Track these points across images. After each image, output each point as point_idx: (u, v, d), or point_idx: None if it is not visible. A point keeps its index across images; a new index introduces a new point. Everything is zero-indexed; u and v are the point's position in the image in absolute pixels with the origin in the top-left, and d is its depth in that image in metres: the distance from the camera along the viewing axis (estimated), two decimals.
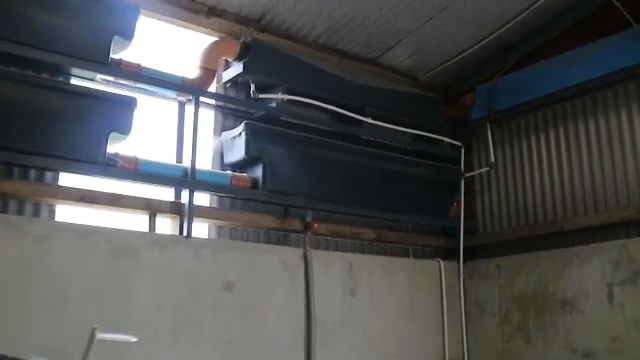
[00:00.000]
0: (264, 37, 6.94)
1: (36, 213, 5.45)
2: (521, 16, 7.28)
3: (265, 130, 6.50)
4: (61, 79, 5.67)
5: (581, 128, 7.30)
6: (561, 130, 7.49)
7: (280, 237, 6.85)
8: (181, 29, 6.59)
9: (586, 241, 6.99)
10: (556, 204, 7.40)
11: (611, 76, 6.89)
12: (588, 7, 7.20)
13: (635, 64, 6.68)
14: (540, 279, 7.18)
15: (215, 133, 6.67)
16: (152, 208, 5.91)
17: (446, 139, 8.01)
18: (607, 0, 6.91)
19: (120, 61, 5.81)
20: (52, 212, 5.57)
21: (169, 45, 6.56)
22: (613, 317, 6.52)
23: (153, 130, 6.34)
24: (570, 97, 7.35)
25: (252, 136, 6.33)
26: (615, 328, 6.49)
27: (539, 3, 7.07)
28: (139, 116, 5.82)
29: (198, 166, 6.15)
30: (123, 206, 5.75)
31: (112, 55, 5.71)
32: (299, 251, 6.60)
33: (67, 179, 5.61)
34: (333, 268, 6.81)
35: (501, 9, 7.20)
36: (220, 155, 6.61)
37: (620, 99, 7.03)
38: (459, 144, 8.08)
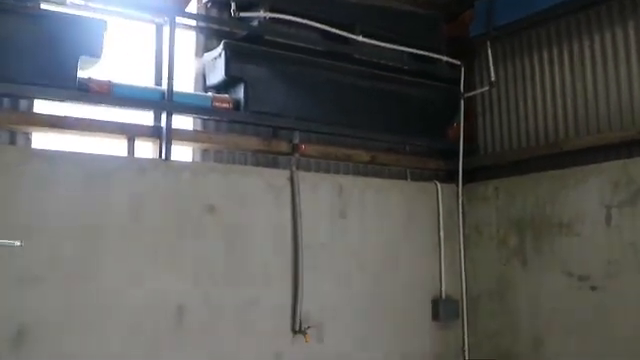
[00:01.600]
0: None
1: (12, 141, 5.47)
2: None
3: (246, 49, 6.35)
4: (29, 4, 5.56)
5: (585, 44, 6.89)
6: (565, 47, 7.09)
7: (268, 160, 6.77)
8: None
9: (586, 162, 6.70)
10: (558, 124, 7.10)
11: None
12: None
13: None
14: (538, 201, 6.97)
15: (197, 55, 6.54)
16: (129, 132, 5.87)
17: (445, 58, 7.69)
18: None
19: None
20: (28, 140, 5.59)
21: None
22: (610, 240, 6.31)
23: (131, 54, 6.25)
24: (573, 11, 6.92)
25: (232, 56, 6.19)
26: (612, 251, 6.29)
27: None
28: (113, 40, 5.78)
29: (179, 89, 6.09)
30: (99, 131, 5.72)
31: None
32: (285, 173, 6.52)
33: (42, 106, 5.61)
34: (321, 190, 6.72)
35: None
36: (203, 77, 6.51)
37: (627, 12, 6.56)
38: (459, 63, 7.79)
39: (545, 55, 7.29)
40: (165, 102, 5.89)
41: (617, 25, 6.65)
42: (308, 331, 6.29)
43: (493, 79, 7.59)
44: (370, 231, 7.01)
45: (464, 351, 7.58)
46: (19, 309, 4.97)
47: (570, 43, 7.05)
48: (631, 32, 6.53)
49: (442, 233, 7.54)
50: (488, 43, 7.62)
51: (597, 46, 6.81)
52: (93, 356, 5.27)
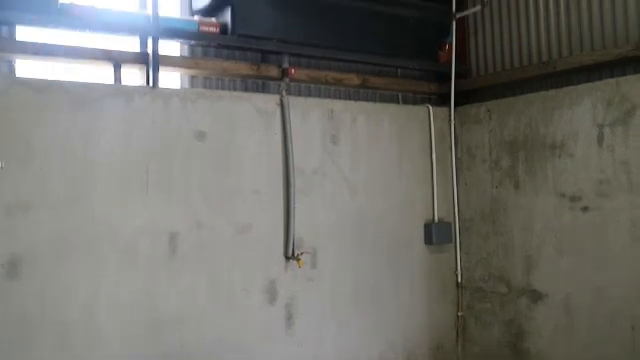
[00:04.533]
0: None
1: None
2: None
3: None
4: None
5: None
6: None
7: (258, 85, 6.69)
8: None
9: (580, 82, 6.63)
10: (551, 43, 6.97)
11: None
12: None
13: None
14: (531, 122, 6.92)
15: None
16: (114, 59, 5.73)
17: None
18: None
19: None
20: (12, 67, 5.48)
21: None
22: (602, 160, 6.29)
23: None
24: None
25: None
26: (604, 171, 6.27)
27: None
28: None
29: (164, 14, 5.94)
30: (83, 58, 5.59)
31: None
32: (275, 98, 6.41)
33: (25, 33, 5.49)
34: (312, 115, 6.65)
35: None
36: (189, 1, 6.35)
37: None
38: None
39: None
40: (151, 27, 5.74)
41: None
42: (301, 257, 6.31)
43: None
44: (362, 156, 6.97)
45: (457, 274, 7.65)
46: (10, 238, 4.97)
47: None
48: None
49: (434, 156, 7.50)
50: None
51: None
52: (87, 285, 5.30)
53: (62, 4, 5.38)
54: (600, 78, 6.48)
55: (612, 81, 6.27)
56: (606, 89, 6.28)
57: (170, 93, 5.84)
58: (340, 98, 7.23)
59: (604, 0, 6.50)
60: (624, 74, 6.29)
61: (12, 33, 5.42)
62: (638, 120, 6.01)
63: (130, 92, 5.63)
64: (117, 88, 5.65)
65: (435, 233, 7.40)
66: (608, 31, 6.48)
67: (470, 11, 7.68)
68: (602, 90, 6.31)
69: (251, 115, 6.22)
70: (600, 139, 6.31)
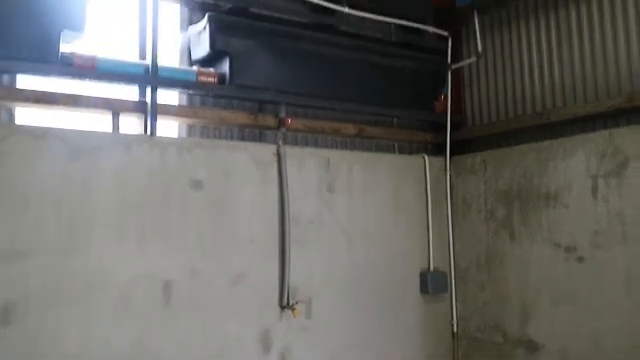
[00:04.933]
0: None
1: None
2: None
3: (231, 22, 6.26)
4: None
5: (572, 13, 6.83)
6: (552, 15, 7.03)
7: (255, 135, 6.73)
8: None
9: (574, 132, 6.70)
10: (545, 94, 7.07)
11: None
12: None
13: None
14: (525, 173, 6.97)
15: (182, 29, 6.46)
16: (113, 107, 5.79)
17: (431, 29, 7.61)
18: None
19: None
20: (11, 115, 5.52)
21: None
22: (596, 211, 6.31)
23: (115, 28, 6.18)
24: None
25: (216, 29, 6.12)
26: (598, 222, 6.29)
27: None
28: (96, 13, 5.70)
29: (164, 63, 6.02)
30: (83, 106, 5.63)
31: None
32: (272, 147, 6.46)
33: (25, 81, 5.54)
34: (309, 164, 6.69)
35: None
36: (188, 51, 6.44)
37: None
38: (445, 34, 7.72)
39: (532, 24, 7.23)
40: (150, 76, 5.82)
41: None
42: (296, 306, 6.28)
43: (480, 50, 7.54)
44: (358, 205, 6.99)
45: (453, 323, 7.61)
46: (4, 285, 4.95)
47: (557, 12, 6.99)
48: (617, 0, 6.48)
49: (430, 206, 7.53)
50: (475, 12, 7.54)
51: (584, 14, 6.73)
52: (81, 333, 5.25)
53: (63, 53, 5.45)
54: (594, 129, 6.56)
55: (605, 132, 6.33)
56: (599, 141, 6.34)
57: (167, 142, 5.88)
58: (336, 147, 7.29)
59: (596, 52, 6.62)
60: (617, 125, 6.37)
61: (13, 81, 5.47)
62: (631, 172, 6.06)
63: (128, 141, 5.67)
64: (115, 136, 5.69)
65: (431, 282, 7.38)
66: (601, 83, 6.58)
67: (465, 62, 7.83)
68: (595, 142, 6.37)
69: (248, 165, 6.26)
70: (594, 190, 6.34)
